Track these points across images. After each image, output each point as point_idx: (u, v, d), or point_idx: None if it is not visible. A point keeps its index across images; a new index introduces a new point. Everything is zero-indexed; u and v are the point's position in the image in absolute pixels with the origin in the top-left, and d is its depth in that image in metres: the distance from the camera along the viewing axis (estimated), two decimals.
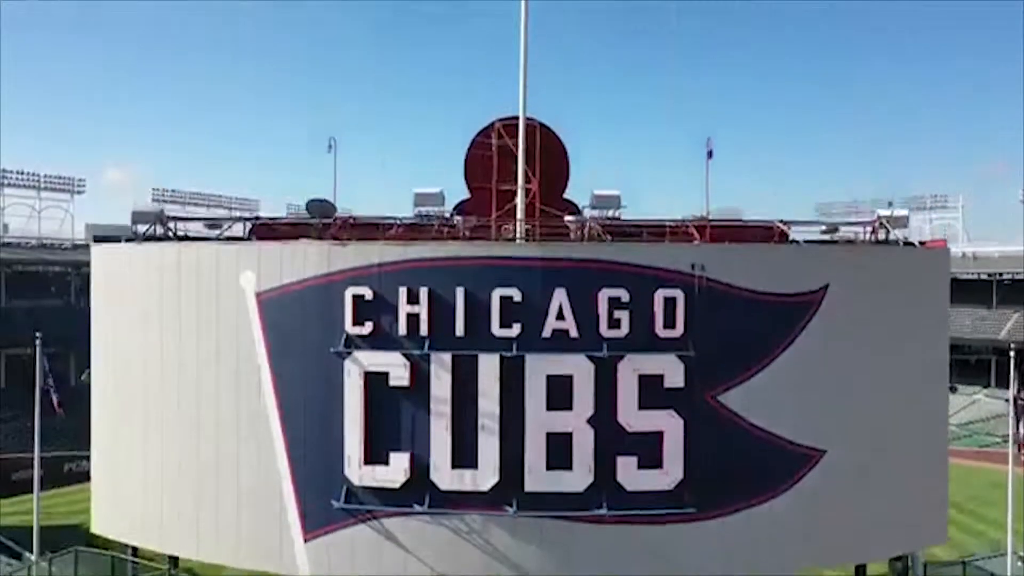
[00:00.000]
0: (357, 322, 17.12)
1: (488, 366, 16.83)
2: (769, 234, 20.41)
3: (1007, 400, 79.92)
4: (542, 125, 21.24)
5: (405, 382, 16.98)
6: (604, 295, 16.91)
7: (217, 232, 19.84)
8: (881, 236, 20.67)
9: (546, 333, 16.88)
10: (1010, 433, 24.49)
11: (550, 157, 21.08)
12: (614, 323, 16.92)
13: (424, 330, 16.92)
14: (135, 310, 19.11)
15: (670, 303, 17.03)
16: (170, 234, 20.35)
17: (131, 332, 19.23)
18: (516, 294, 16.85)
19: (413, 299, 16.97)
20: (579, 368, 16.87)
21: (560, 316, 16.88)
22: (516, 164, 20.30)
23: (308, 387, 17.52)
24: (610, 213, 20.96)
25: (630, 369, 16.93)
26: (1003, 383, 75.83)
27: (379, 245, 17.60)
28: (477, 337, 16.88)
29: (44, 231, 78.82)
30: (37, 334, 25.25)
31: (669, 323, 17.04)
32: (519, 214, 19.48)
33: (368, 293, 17.10)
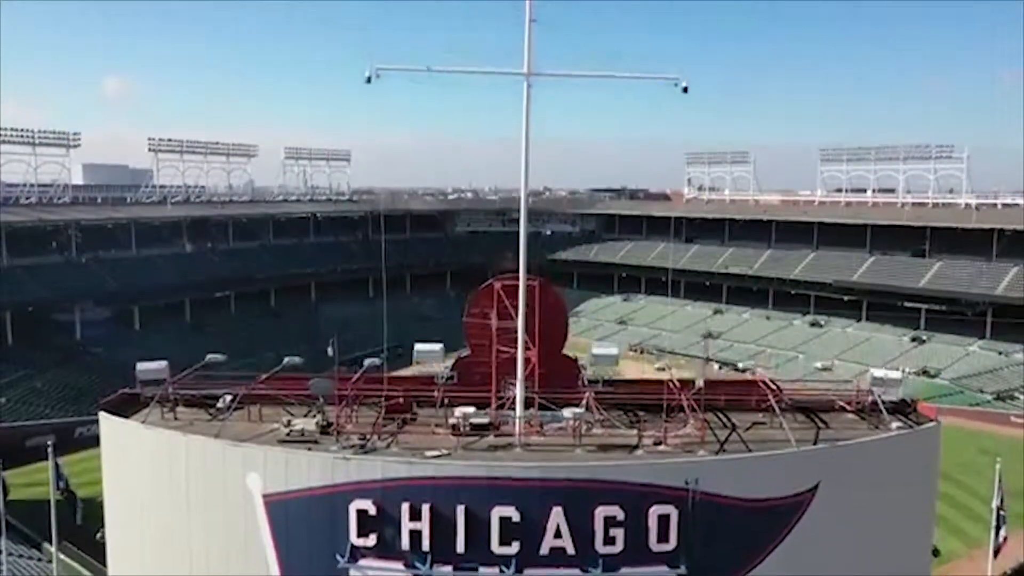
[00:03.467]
0: (361, 534, 17.69)
1: None
2: (766, 398, 20.76)
3: (999, 353, 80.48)
4: (541, 283, 21.17)
5: None
6: (600, 513, 17.37)
7: (219, 408, 20.30)
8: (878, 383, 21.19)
9: (544, 551, 17.42)
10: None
11: (548, 315, 21.11)
12: (609, 540, 17.43)
13: (426, 545, 17.51)
14: (145, 493, 19.59)
15: (664, 520, 17.51)
16: (176, 399, 20.83)
17: (142, 513, 19.77)
18: (515, 514, 17.35)
19: (415, 515, 17.46)
20: None
21: (557, 534, 17.41)
22: (514, 326, 20.40)
23: None
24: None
25: None
26: (998, 336, 76.85)
27: (381, 460, 18.00)
28: (477, 554, 17.48)
29: (41, 189, 78.37)
30: (49, 442, 25.74)
31: (663, 538, 17.55)
32: (518, 412, 19.76)
33: (371, 508, 17.59)
